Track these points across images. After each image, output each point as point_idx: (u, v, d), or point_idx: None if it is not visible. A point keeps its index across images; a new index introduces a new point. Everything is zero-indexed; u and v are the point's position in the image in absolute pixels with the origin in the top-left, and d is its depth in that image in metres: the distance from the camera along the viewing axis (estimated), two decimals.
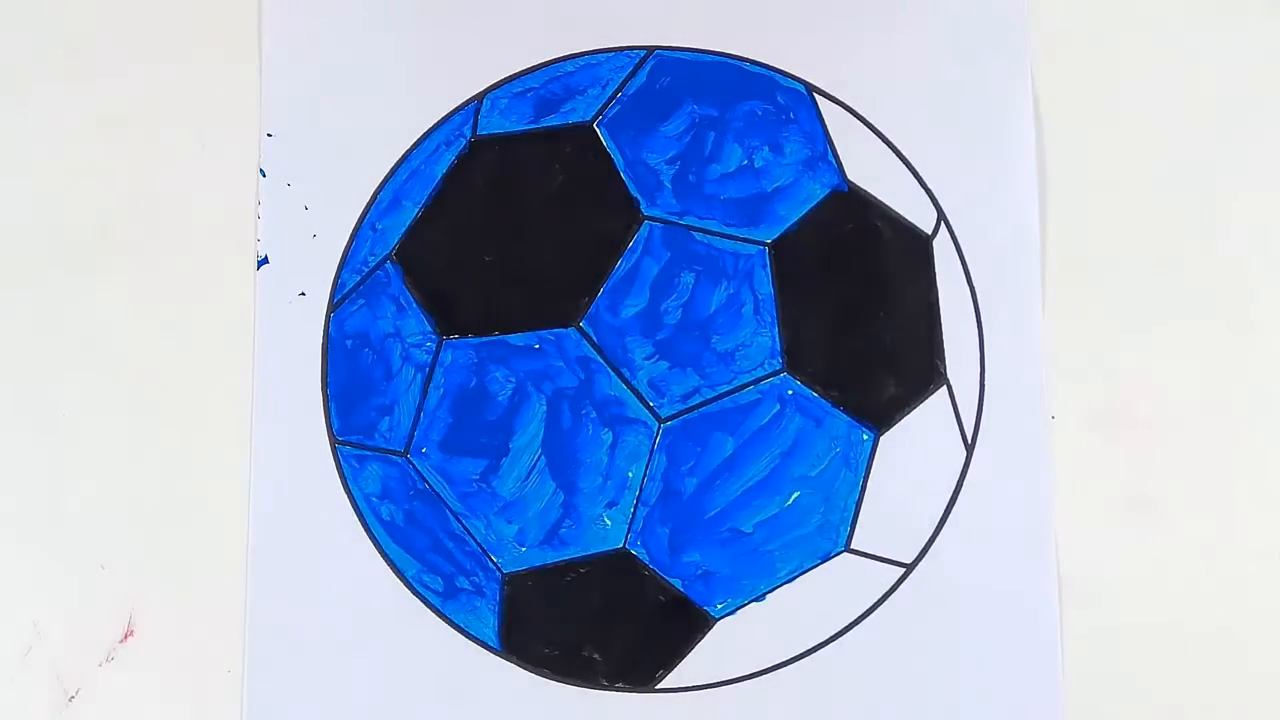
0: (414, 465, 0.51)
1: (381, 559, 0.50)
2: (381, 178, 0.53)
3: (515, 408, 0.51)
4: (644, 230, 0.52)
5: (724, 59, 0.54)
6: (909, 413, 0.51)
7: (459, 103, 0.53)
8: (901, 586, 0.50)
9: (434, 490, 0.51)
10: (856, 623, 0.50)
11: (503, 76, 0.53)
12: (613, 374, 0.51)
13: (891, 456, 0.51)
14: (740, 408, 0.51)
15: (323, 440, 0.51)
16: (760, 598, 0.50)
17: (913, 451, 0.51)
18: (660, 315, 0.52)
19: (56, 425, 0.51)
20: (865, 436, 0.51)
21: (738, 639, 0.50)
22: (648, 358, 0.51)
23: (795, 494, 0.51)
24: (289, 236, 0.52)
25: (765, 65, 0.54)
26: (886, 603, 0.50)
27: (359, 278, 0.52)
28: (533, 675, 0.50)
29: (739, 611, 0.50)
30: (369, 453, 0.51)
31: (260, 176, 0.53)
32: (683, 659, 0.50)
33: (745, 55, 0.54)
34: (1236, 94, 0.54)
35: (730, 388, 0.51)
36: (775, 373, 0.51)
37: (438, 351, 0.52)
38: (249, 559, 0.50)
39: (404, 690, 0.49)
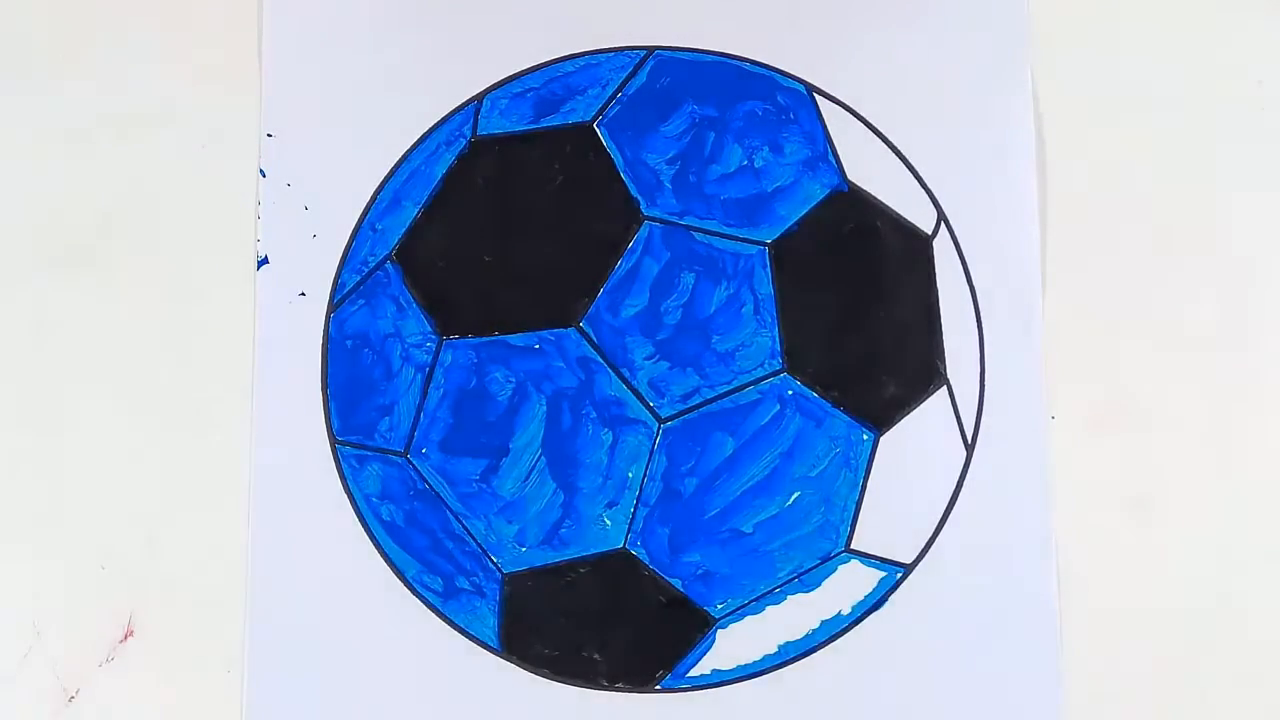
0: (414, 465, 0.51)
1: (381, 559, 0.50)
2: (381, 178, 0.53)
3: (515, 408, 0.51)
4: (644, 230, 0.52)
5: (724, 59, 0.54)
6: (909, 413, 0.51)
7: (459, 103, 0.53)
8: (901, 586, 0.50)
9: (434, 490, 0.51)
10: (856, 623, 0.50)
11: (503, 76, 0.53)
12: (613, 374, 0.51)
13: (891, 456, 0.51)
14: (740, 408, 0.51)
15: (323, 440, 0.51)
16: (760, 599, 0.50)
17: (913, 451, 0.51)
18: (660, 315, 0.52)
19: (56, 425, 0.51)
20: (865, 436, 0.51)
21: (738, 639, 0.50)
22: (648, 358, 0.51)
23: (795, 494, 0.51)
24: (289, 236, 0.52)
25: (765, 65, 0.54)
26: (887, 603, 0.50)
27: (359, 278, 0.52)
28: (533, 675, 0.50)
29: (739, 612, 0.50)
30: (369, 453, 0.51)
31: (260, 176, 0.53)
32: (682, 659, 0.50)
33: (745, 55, 0.54)
34: (1236, 94, 0.54)
35: (730, 388, 0.51)
36: (775, 373, 0.51)
37: (438, 352, 0.52)
38: (249, 559, 0.50)
39: (404, 690, 0.49)
